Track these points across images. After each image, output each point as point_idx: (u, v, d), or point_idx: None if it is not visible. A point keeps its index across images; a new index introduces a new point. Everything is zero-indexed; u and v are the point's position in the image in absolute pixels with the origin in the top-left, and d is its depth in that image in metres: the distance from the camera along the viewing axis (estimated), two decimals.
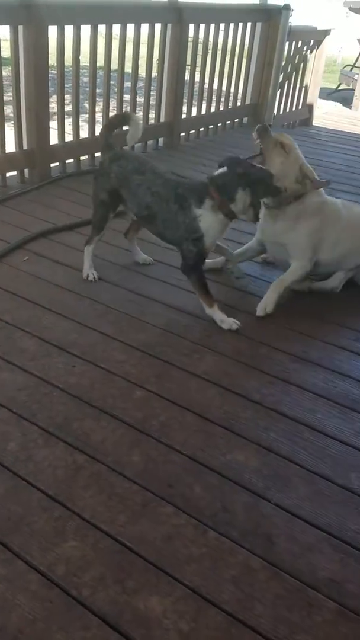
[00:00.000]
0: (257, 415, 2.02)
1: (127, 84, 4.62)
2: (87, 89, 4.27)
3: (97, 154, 4.40)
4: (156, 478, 1.73)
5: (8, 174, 3.88)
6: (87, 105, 4.33)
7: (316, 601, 1.42)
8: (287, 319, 2.60)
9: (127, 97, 4.67)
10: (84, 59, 4.04)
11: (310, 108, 6.78)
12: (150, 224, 2.56)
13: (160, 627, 1.34)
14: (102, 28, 4.05)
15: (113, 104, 4.53)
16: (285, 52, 5.88)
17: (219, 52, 5.28)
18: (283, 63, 5.90)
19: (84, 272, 2.77)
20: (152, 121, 4.85)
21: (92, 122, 4.28)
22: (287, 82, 6.23)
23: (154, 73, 4.73)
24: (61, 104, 4.00)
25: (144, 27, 4.40)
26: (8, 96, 3.69)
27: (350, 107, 8.17)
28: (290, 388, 2.17)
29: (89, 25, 3.93)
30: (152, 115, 4.86)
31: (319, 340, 2.48)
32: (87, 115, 4.34)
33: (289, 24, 5.60)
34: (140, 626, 1.34)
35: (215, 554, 1.52)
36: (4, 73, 3.63)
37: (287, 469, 1.80)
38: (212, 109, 5.46)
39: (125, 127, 2.69)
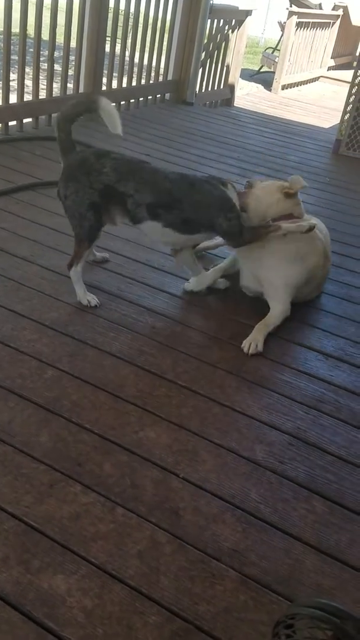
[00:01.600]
0: (170, 393, 2.04)
1: (45, 53, 4.45)
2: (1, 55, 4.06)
3: (11, 123, 4.24)
4: (65, 457, 1.71)
5: None
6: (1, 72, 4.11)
7: (218, 571, 1.47)
8: (203, 300, 2.64)
9: (44, 65, 4.49)
10: None
11: (231, 88, 6.82)
12: (170, 213, 2.30)
13: (64, 605, 1.34)
14: None
15: (29, 71, 4.34)
16: (207, 30, 5.86)
17: (141, 25, 5.18)
18: (205, 41, 5.89)
19: (81, 298, 2.41)
20: (70, 92, 4.70)
21: (6, 90, 4.08)
22: (209, 60, 6.23)
23: (73, 43, 4.57)
24: None
25: None
26: None
27: (270, 90, 8.30)
28: (202, 366, 2.20)
29: None
30: (70, 85, 4.71)
31: (232, 320, 2.52)
32: (1, 83, 4.14)
33: (211, 1, 5.58)
34: (44, 605, 1.33)
35: (122, 529, 1.53)
36: None
37: (196, 443, 1.84)
38: (134, 83, 5.37)
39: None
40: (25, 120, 4.35)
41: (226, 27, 6.30)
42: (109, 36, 4.82)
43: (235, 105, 6.95)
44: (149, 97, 5.71)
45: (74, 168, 2.31)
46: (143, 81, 5.53)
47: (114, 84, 5.13)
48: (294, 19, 7.81)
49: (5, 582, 1.37)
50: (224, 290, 2.70)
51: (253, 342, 2.33)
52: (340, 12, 9.73)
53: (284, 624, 0.89)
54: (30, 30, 4.12)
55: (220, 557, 1.50)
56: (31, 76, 4.34)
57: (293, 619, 0.88)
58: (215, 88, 6.59)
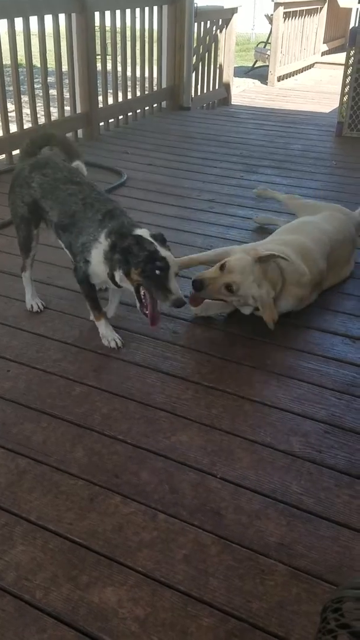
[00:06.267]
0: (197, 395, 2.03)
1: (38, 79, 4.52)
2: None
3: (15, 152, 4.31)
4: (102, 470, 1.72)
5: None
6: None
7: (267, 567, 1.45)
8: None
9: (39, 92, 4.57)
10: None
11: (227, 87, 6.83)
12: (65, 232, 2.20)
13: (116, 617, 1.34)
14: (3, 23, 3.94)
15: (25, 99, 4.42)
16: (195, 34, 5.89)
17: (129, 39, 5.23)
18: (194, 45, 5.91)
19: (26, 302, 2.48)
20: (68, 114, 4.76)
21: (5, 121, 4.16)
22: (200, 63, 6.25)
23: (65, 66, 4.64)
24: None
25: (48, 20, 4.30)
26: None
27: (267, 83, 8.27)
28: (227, 364, 2.19)
29: None
30: (67, 108, 4.77)
31: (252, 316, 2.50)
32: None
33: (195, 4, 5.60)
34: (97, 619, 1.34)
35: (166, 536, 1.52)
36: None
37: (230, 442, 1.82)
38: (129, 96, 5.42)
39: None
40: None
41: (214, 28, 6.32)
42: (99, 54, 4.88)
43: (232, 103, 6.95)
44: (146, 108, 5.75)
45: (14, 178, 2.34)
46: (138, 93, 5.57)
47: (110, 100, 5.18)
48: (281, 9, 7.78)
49: (56, 601, 1.37)
50: None
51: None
52: None
53: (331, 609, 0.87)
54: (21, 59, 4.20)
55: (268, 552, 1.48)
56: (28, 104, 4.42)
57: (340, 603, 0.86)
58: (211, 89, 6.60)
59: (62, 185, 2.22)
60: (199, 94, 6.34)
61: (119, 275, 2.05)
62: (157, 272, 1.92)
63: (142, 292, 2.01)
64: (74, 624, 1.33)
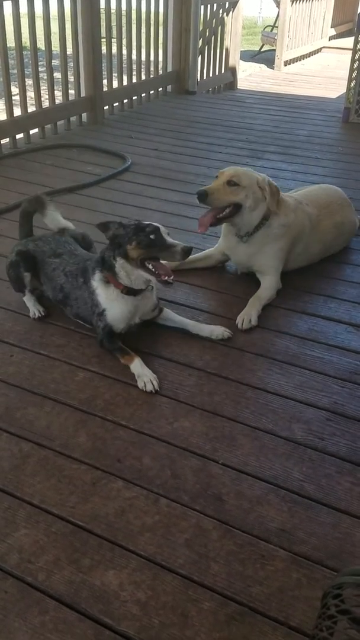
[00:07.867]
0: (200, 382, 2.03)
1: (43, 62, 4.48)
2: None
3: (19, 136, 4.29)
4: (105, 455, 1.73)
5: None
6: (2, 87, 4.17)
7: (268, 552, 1.46)
8: (223, 284, 2.62)
9: (43, 75, 4.53)
10: None
11: (233, 71, 6.75)
12: (66, 306, 2.28)
13: (118, 599, 1.35)
14: (8, 5, 3.89)
15: (30, 82, 4.38)
16: (201, 17, 5.82)
17: (134, 21, 5.16)
18: (200, 28, 5.84)
19: (30, 312, 2.37)
20: (72, 97, 4.72)
21: (9, 104, 4.13)
22: (207, 47, 6.17)
23: (70, 49, 4.59)
24: None
25: (53, 2, 4.25)
26: None
27: (273, 68, 8.18)
28: (230, 351, 2.19)
29: None
30: (72, 92, 4.73)
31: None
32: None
33: None
34: (98, 602, 1.35)
35: (168, 520, 1.53)
36: None
37: (232, 428, 1.83)
38: (134, 80, 5.37)
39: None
40: (31, 132, 4.39)
41: (220, 11, 6.23)
42: (104, 37, 4.83)
43: (238, 87, 6.88)
44: (151, 92, 5.70)
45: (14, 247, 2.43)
46: (143, 76, 5.52)
47: (115, 84, 5.14)
48: None
49: (58, 583, 1.39)
50: (240, 276, 2.68)
51: (246, 316, 2.33)
52: None
53: (331, 595, 0.88)
54: (26, 41, 4.15)
55: (269, 537, 1.49)
56: (32, 87, 4.38)
57: (340, 589, 0.87)
58: (217, 73, 6.53)
59: (48, 259, 2.30)
60: (204, 78, 6.28)
61: (120, 265, 2.05)
62: (151, 236, 1.99)
63: (149, 265, 2.03)
64: (76, 606, 1.34)
